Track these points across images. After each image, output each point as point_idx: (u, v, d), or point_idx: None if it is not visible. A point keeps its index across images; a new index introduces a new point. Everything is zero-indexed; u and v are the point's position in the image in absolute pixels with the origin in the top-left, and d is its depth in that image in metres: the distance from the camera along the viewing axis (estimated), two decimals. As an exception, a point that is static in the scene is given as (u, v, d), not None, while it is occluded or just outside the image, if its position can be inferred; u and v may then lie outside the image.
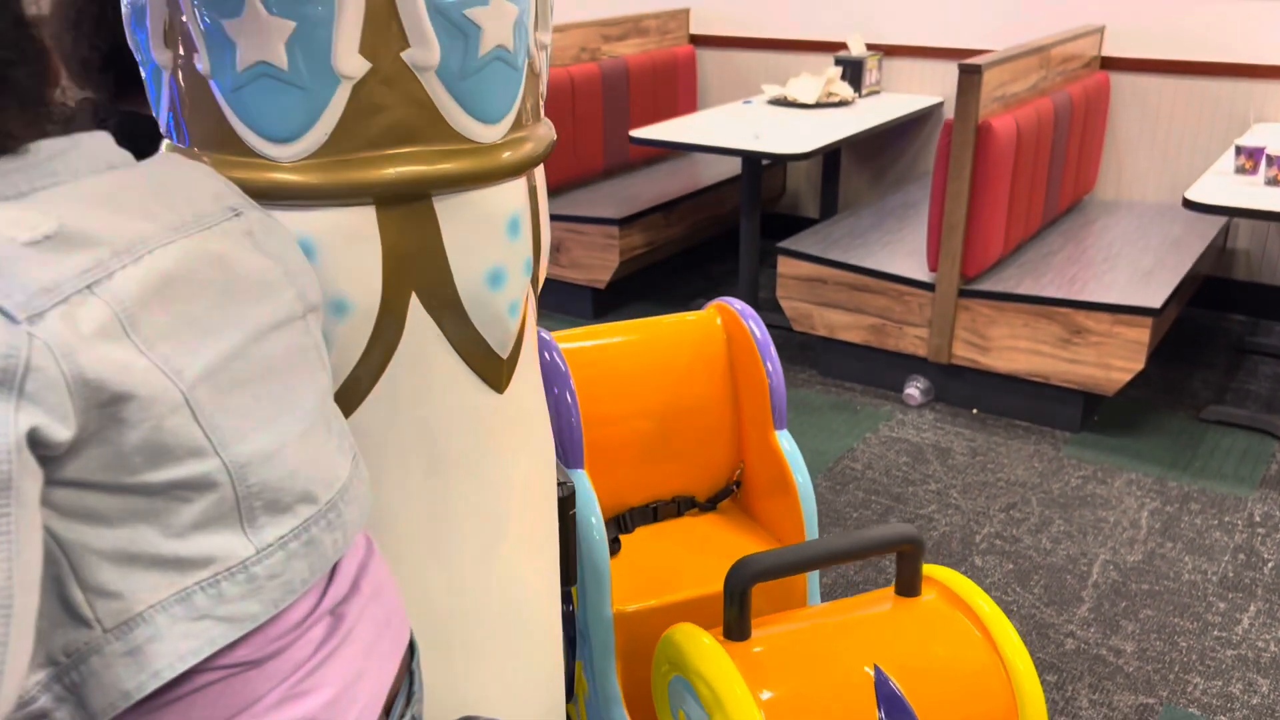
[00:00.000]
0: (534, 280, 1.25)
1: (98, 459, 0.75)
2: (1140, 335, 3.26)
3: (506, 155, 1.11)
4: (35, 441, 0.71)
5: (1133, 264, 3.63)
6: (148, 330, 0.77)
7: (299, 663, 0.90)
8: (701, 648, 1.58)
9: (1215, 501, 3.05)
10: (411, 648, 1.07)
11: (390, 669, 1.00)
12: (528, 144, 1.15)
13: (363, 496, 1.00)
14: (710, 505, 2.22)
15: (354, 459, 1.00)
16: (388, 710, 0.99)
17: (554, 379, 1.94)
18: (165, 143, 1.14)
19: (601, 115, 4.67)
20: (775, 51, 5.03)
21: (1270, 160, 3.25)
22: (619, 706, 1.93)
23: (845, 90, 4.55)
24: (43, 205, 0.77)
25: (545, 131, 1.20)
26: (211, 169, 0.98)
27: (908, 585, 1.70)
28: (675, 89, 5.10)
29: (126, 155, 0.89)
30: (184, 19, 1.02)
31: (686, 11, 5.19)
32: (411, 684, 1.05)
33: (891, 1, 4.71)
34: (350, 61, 0.99)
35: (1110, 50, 4.30)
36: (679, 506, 2.20)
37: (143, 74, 1.13)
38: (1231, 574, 2.72)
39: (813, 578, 2.08)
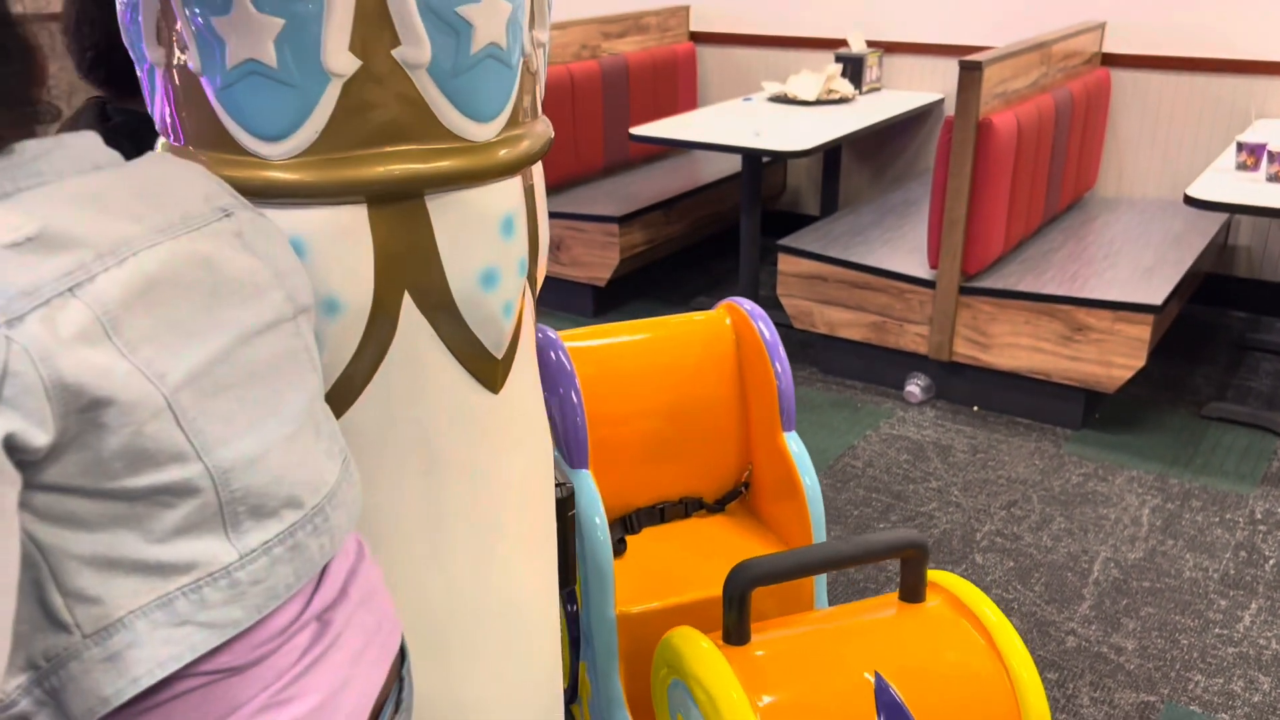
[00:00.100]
0: (531, 280, 1.25)
1: (77, 464, 0.75)
2: (1141, 332, 3.25)
3: (500, 154, 1.10)
4: (12, 447, 0.70)
5: (1134, 261, 3.63)
6: (130, 333, 0.76)
7: (282, 670, 0.89)
8: (699, 652, 1.56)
9: (1216, 499, 3.04)
10: (402, 654, 1.06)
11: (378, 676, 0.99)
12: (522, 143, 1.14)
13: (351, 500, 0.99)
14: (718, 507, 2.21)
15: (344, 462, 0.99)
16: (375, 718, 0.98)
17: (559, 378, 1.93)
18: (161, 141, 1.13)
19: (601, 113, 4.67)
20: (775, 48, 5.03)
21: (1271, 156, 3.24)
22: (621, 709, 1.92)
23: (846, 87, 4.54)
24: (25, 206, 0.76)
25: (542, 130, 1.20)
26: (204, 168, 0.97)
27: (912, 591, 1.68)
28: (675, 86, 5.09)
29: (114, 155, 0.88)
30: (175, 16, 1.01)
31: (686, 8, 5.18)
32: (401, 691, 1.04)
33: (892, -2, 4.71)
34: (340, 59, 0.99)
35: (1111, 46, 4.29)
36: (686, 508, 2.19)
37: (138, 72, 1.12)
38: (1233, 571, 2.71)
39: (820, 581, 2.07)
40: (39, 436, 0.71)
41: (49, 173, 0.80)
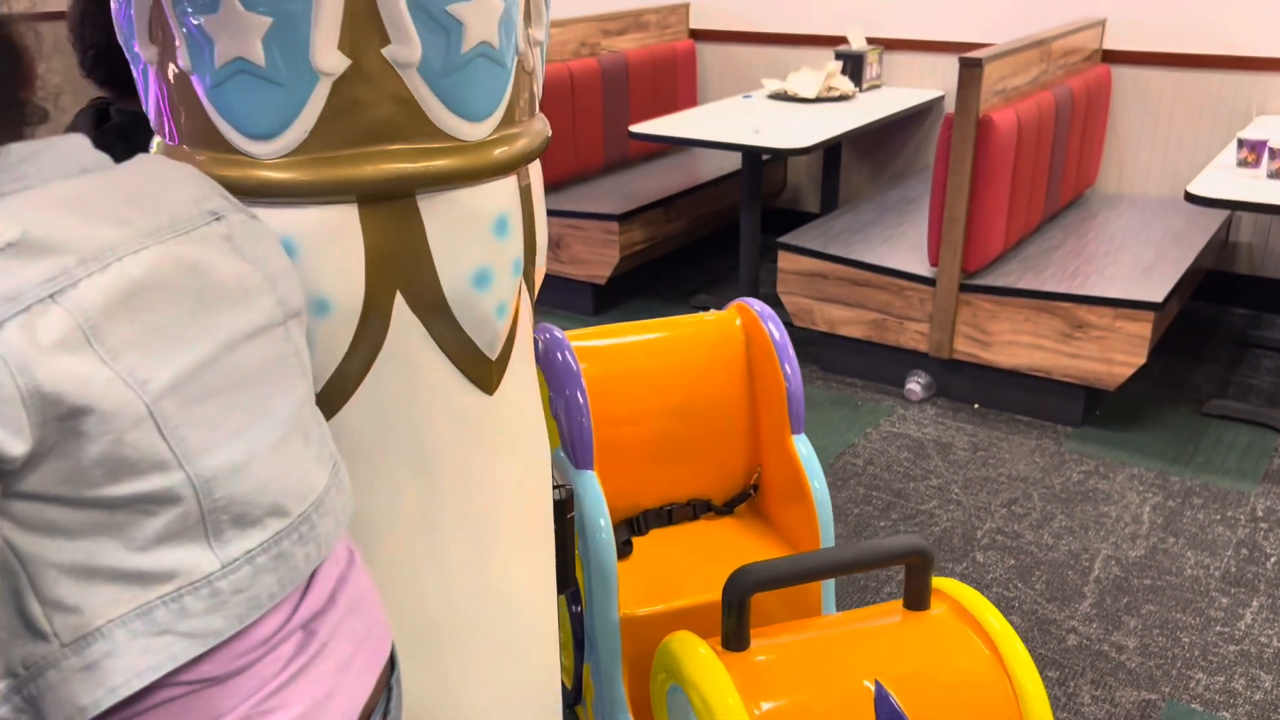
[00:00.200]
0: (529, 281, 1.24)
1: (56, 472, 0.74)
2: (1142, 329, 3.24)
3: (493, 153, 1.09)
4: None
5: (1134, 258, 3.62)
6: (112, 340, 0.76)
7: (266, 679, 0.88)
8: (696, 657, 1.55)
9: (1218, 496, 3.04)
10: (392, 662, 1.05)
11: (365, 685, 0.98)
12: (518, 142, 1.13)
13: (340, 507, 0.98)
14: (727, 509, 2.19)
15: (333, 468, 0.98)
16: None
17: (565, 379, 1.92)
18: (156, 140, 1.13)
19: (601, 110, 4.66)
20: (775, 46, 5.02)
21: (1273, 153, 3.23)
22: (625, 712, 1.91)
23: (845, 84, 4.53)
24: (8, 211, 0.76)
25: (539, 129, 1.19)
26: (197, 170, 0.96)
27: (916, 598, 1.65)
28: (675, 84, 5.09)
29: (103, 158, 0.87)
30: (165, 15, 1.01)
31: (686, 6, 5.17)
32: (389, 700, 1.03)
33: (892, -5, 4.70)
34: (329, 58, 0.98)
35: (1111, 43, 4.28)
36: (694, 510, 2.18)
37: (133, 70, 1.12)
38: (1234, 569, 2.71)
39: (828, 585, 2.05)
40: (16, 446, 0.71)
41: (34, 176, 0.80)
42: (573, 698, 2.11)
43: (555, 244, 4.32)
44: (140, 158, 0.92)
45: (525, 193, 1.18)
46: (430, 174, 1.05)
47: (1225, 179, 3.28)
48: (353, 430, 1.12)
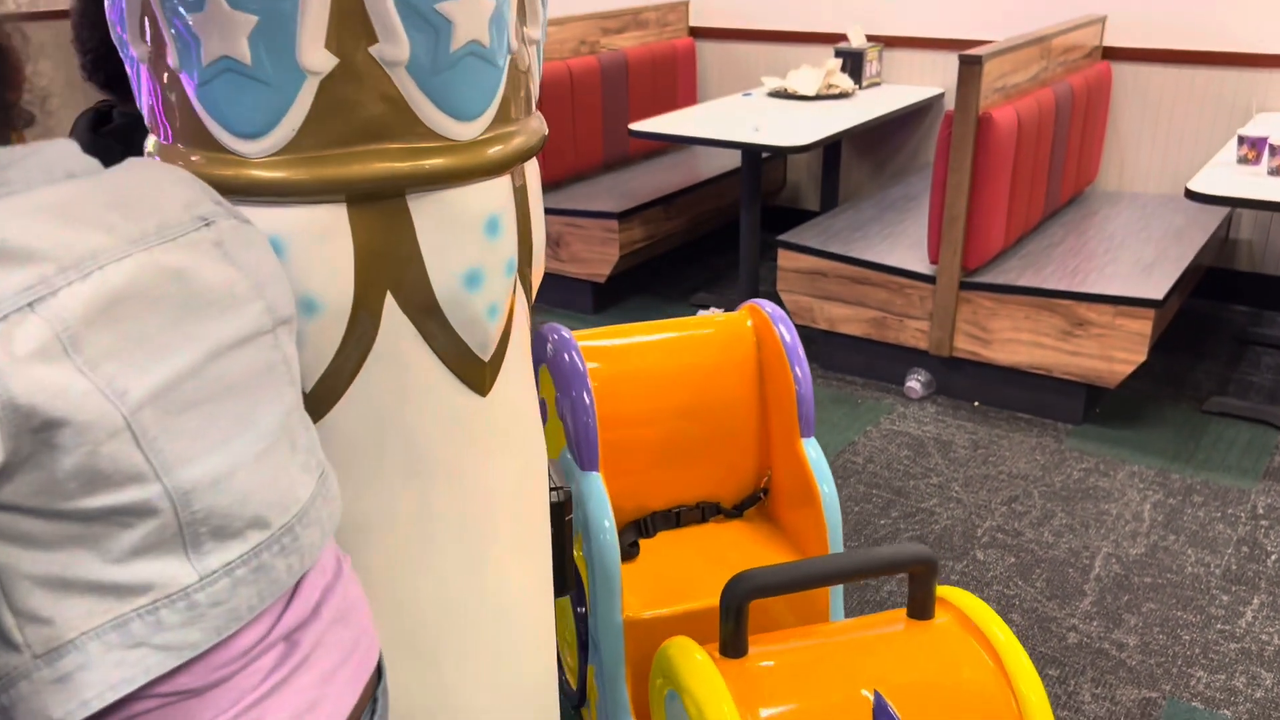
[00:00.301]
0: (525, 282, 1.23)
1: (30, 484, 0.73)
2: (1142, 327, 3.24)
3: (484, 153, 1.09)
4: None
5: (1135, 255, 3.61)
6: (91, 350, 0.74)
7: (245, 691, 0.87)
8: (692, 663, 1.53)
9: (1218, 494, 3.03)
10: (379, 672, 1.04)
11: (350, 696, 0.97)
12: (512, 141, 1.12)
13: (327, 517, 0.97)
14: (736, 512, 2.17)
15: (320, 476, 0.97)
16: None
17: (571, 380, 1.91)
18: (151, 139, 1.12)
19: (601, 108, 4.65)
20: (775, 43, 5.01)
21: (1273, 150, 3.23)
22: (627, 715, 1.89)
23: (845, 82, 4.52)
24: None
25: (535, 127, 1.18)
26: (189, 175, 0.95)
27: (920, 607, 1.63)
28: (675, 82, 5.08)
29: (91, 163, 0.86)
30: (154, 12, 1.00)
31: (686, 4, 5.16)
32: (374, 711, 1.02)
33: (891, -8, 4.70)
34: (315, 56, 0.97)
35: (1112, 40, 4.28)
36: (703, 512, 2.16)
37: (126, 68, 1.12)
38: (1235, 567, 2.70)
39: (835, 590, 2.03)
40: None
41: (18, 182, 0.79)
42: (577, 699, 2.10)
43: (555, 242, 4.31)
44: (130, 162, 0.91)
45: (520, 193, 1.17)
46: (419, 173, 1.04)
47: (1225, 176, 3.27)
48: (343, 431, 1.11)
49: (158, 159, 1.09)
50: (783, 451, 2.09)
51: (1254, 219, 4.21)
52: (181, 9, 0.97)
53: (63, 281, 0.74)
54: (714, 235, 4.94)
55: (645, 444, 2.07)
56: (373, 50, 0.99)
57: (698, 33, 5.22)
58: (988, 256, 3.51)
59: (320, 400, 1.10)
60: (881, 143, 4.91)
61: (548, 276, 4.30)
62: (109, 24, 1.10)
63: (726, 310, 4.24)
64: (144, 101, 1.10)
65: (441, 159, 1.05)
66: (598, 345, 2.05)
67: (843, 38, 4.75)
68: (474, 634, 1.26)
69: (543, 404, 2.05)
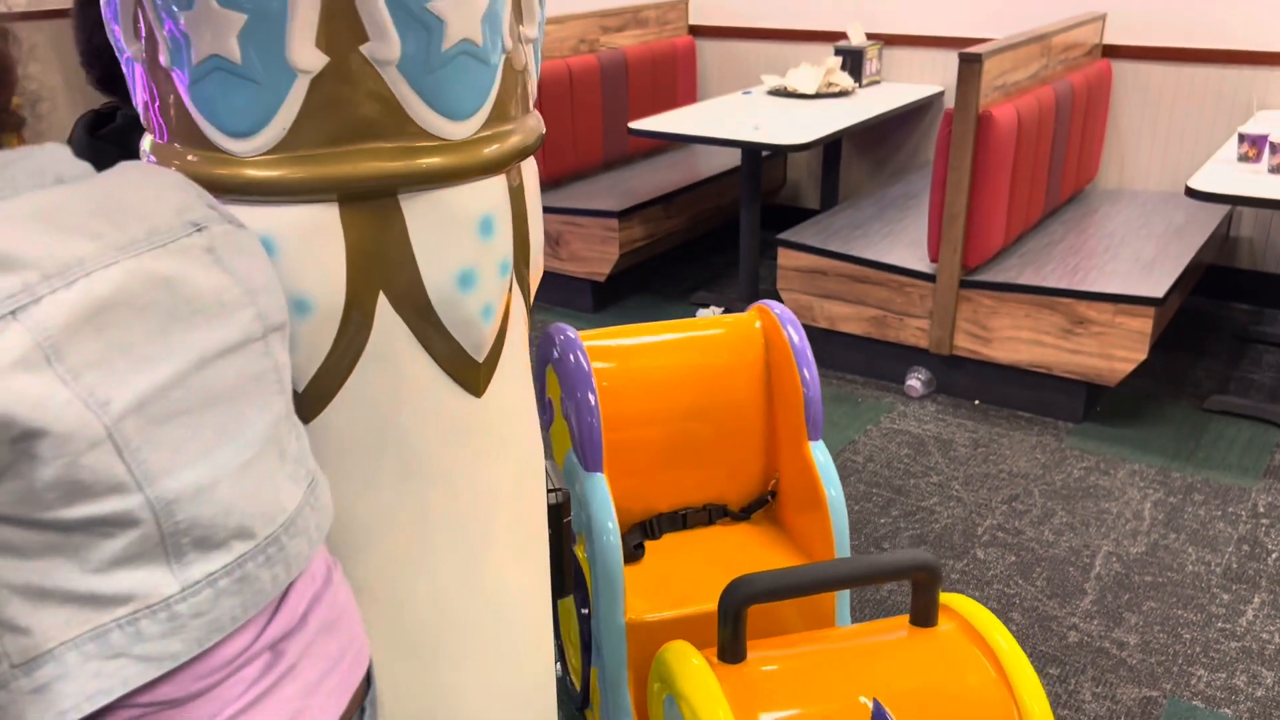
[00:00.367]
0: (522, 282, 1.22)
1: (9, 494, 0.73)
2: (1143, 325, 3.23)
3: (478, 153, 1.08)
4: None
5: (1135, 253, 3.61)
6: (74, 359, 0.74)
7: (228, 701, 0.86)
8: (689, 668, 1.51)
9: (1219, 492, 3.03)
10: (369, 680, 1.03)
11: (336, 706, 0.96)
12: (507, 140, 1.11)
13: (314, 527, 0.96)
14: (744, 515, 2.16)
15: (309, 485, 0.96)
16: None
17: (576, 380, 1.90)
18: (147, 138, 1.12)
19: (600, 107, 4.65)
20: (775, 42, 5.01)
21: (1274, 148, 3.22)
22: (629, 718, 1.88)
23: (845, 80, 4.52)
24: None
25: (532, 126, 1.17)
26: (183, 178, 0.94)
27: (922, 614, 1.61)
28: (674, 80, 5.07)
29: (83, 168, 0.85)
30: (145, 10, 1.00)
31: (685, 2, 5.16)
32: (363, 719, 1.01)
33: (891, -10, 4.69)
34: (305, 55, 0.97)
35: (1112, 38, 4.27)
36: (710, 515, 2.14)
37: (122, 66, 1.11)
38: (1235, 565, 2.70)
39: (842, 595, 2.01)
40: None
41: (4, 187, 0.78)
42: (581, 700, 2.09)
43: (555, 241, 4.31)
44: (122, 166, 0.90)
45: (517, 192, 1.16)
46: (411, 173, 1.04)
47: (1226, 174, 3.27)
48: (337, 432, 1.11)
49: (154, 159, 1.09)
50: (790, 454, 2.08)
51: (1254, 217, 4.21)
52: (173, 7, 0.96)
53: (46, 290, 0.73)
54: (714, 234, 4.93)
55: (652, 445, 2.06)
56: (364, 49, 0.98)
57: (697, 31, 5.21)
58: (988, 255, 3.51)
59: (313, 400, 1.09)
60: (881, 141, 4.90)
61: (547, 275, 4.30)
62: (105, 22, 1.09)
63: (726, 309, 4.26)
64: (139, 100, 1.10)
65: (433, 158, 1.05)
66: (605, 345, 2.04)
67: (842, 36, 4.75)
68: (471, 636, 1.26)
69: (550, 404, 2.05)
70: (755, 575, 1.56)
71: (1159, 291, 3.25)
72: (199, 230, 0.87)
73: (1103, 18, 4.23)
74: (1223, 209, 3.99)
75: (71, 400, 0.73)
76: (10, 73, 0.84)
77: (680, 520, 2.12)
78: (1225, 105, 4.10)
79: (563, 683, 2.24)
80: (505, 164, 1.11)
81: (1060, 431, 3.39)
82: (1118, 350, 3.28)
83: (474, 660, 1.27)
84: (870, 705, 1.46)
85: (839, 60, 4.58)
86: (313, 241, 1.03)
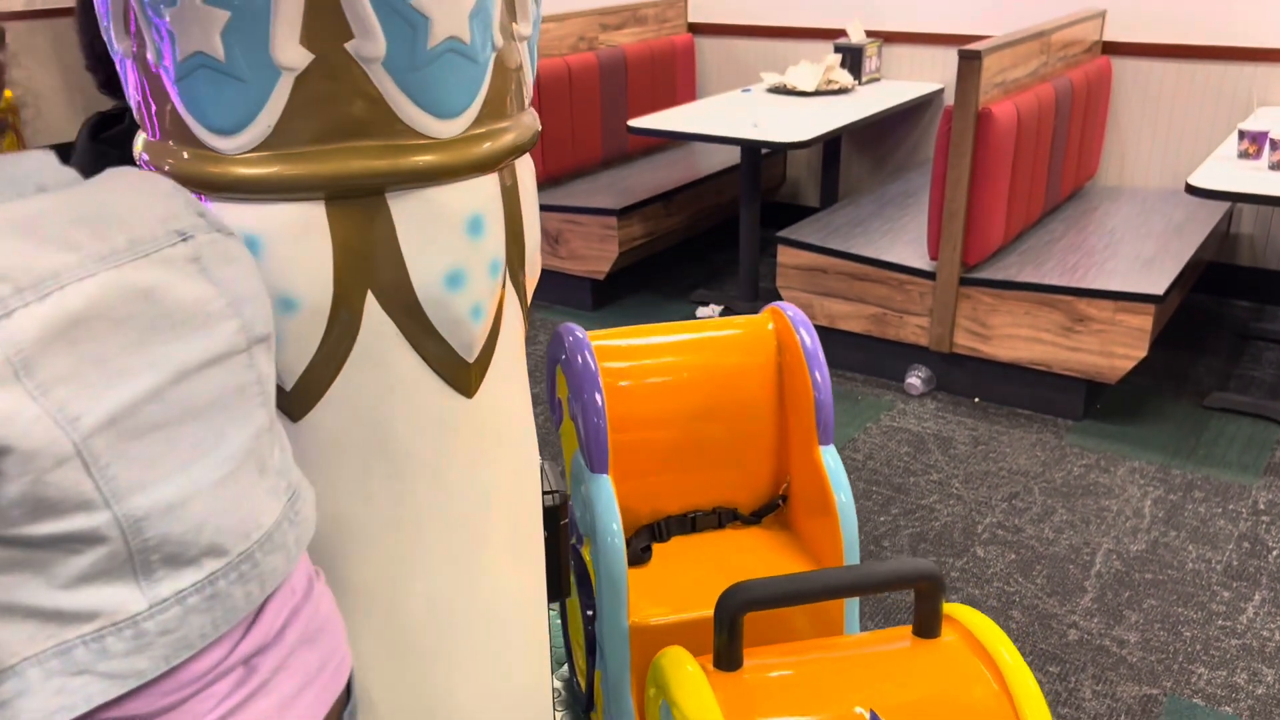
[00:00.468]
0: (517, 282, 1.21)
1: None
2: (1143, 322, 3.23)
3: (466, 152, 1.07)
4: None
5: (1135, 250, 3.60)
6: (44, 374, 0.72)
7: (198, 716, 0.85)
8: (683, 675, 1.49)
9: (1219, 489, 3.02)
10: (349, 692, 1.02)
11: (314, 719, 0.95)
12: (498, 139, 1.10)
13: (292, 541, 0.94)
14: (754, 519, 2.14)
15: (290, 499, 0.95)
16: None
17: (583, 381, 1.89)
18: (141, 136, 1.12)
19: (599, 105, 4.65)
20: (774, 39, 5.00)
21: (1274, 144, 3.22)
22: None
23: (845, 78, 4.52)
24: None
25: (526, 124, 1.16)
26: (173, 185, 0.93)
27: (925, 625, 1.57)
28: (674, 78, 5.07)
29: (67, 175, 0.84)
30: (135, 8, 1.00)
31: (684, 0, 5.16)
32: None
33: (891, -13, 4.69)
34: (289, 52, 0.96)
35: (1112, 35, 4.26)
36: (720, 518, 2.12)
37: (116, 65, 1.11)
38: (1236, 562, 2.70)
39: (851, 601, 1.99)
40: None
41: None
42: (586, 702, 2.08)
43: (554, 239, 4.30)
44: (109, 173, 0.89)
45: (509, 192, 1.15)
46: (398, 171, 1.03)
47: (1226, 170, 3.26)
48: (326, 431, 1.10)
49: (146, 156, 1.09)
50: (801, 458, 2.05)
51: (1255, 214, 4.20)
52: (159, 4, 0.96)
53: (19, 303, 0.72)
54: (713, 232, 4.93)
55: (662, 447, 2.04)
56: (348, 46, 0.98)
57: (697, 29, 5.21)
58: (987, 252, 3.50)
59: (302, 399, 1.09)
60: (881, 138, 4.90)
61: (546, 273, 4.30)
62: (98, 19, 1.09)
63: (726, 307, 4.25)
64: (132, 98, 1.09)
65: (421, 157, 1.04)
66: (617, 345, 2.02)
67: (842, 33, 4.74)
68: (465, 638, 1.25)
69: (559, 404, 2.04)
70: (752, 582, 1.53)
71: (1159, 289, 3.25)
72: (184, 239, 0.86)
73: (1102, 14, 4.22)
74: (1223, 206, 3.98)
75: (40, 416, 0.72)
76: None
77: (689, 523, 2.10)
78: (1225, 102, 4.10)
79: (570, 684, 2.23)
80: (495, 163, 1.11)
81: (1060, 429, 3.38)
82: (1118, 347, 3.28)
83: (468, 662, 1.26)
84: (867, 717, 1.43)
85: (838, 57, 4.57)
86: (299, 240, 1.03)
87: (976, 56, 3.28)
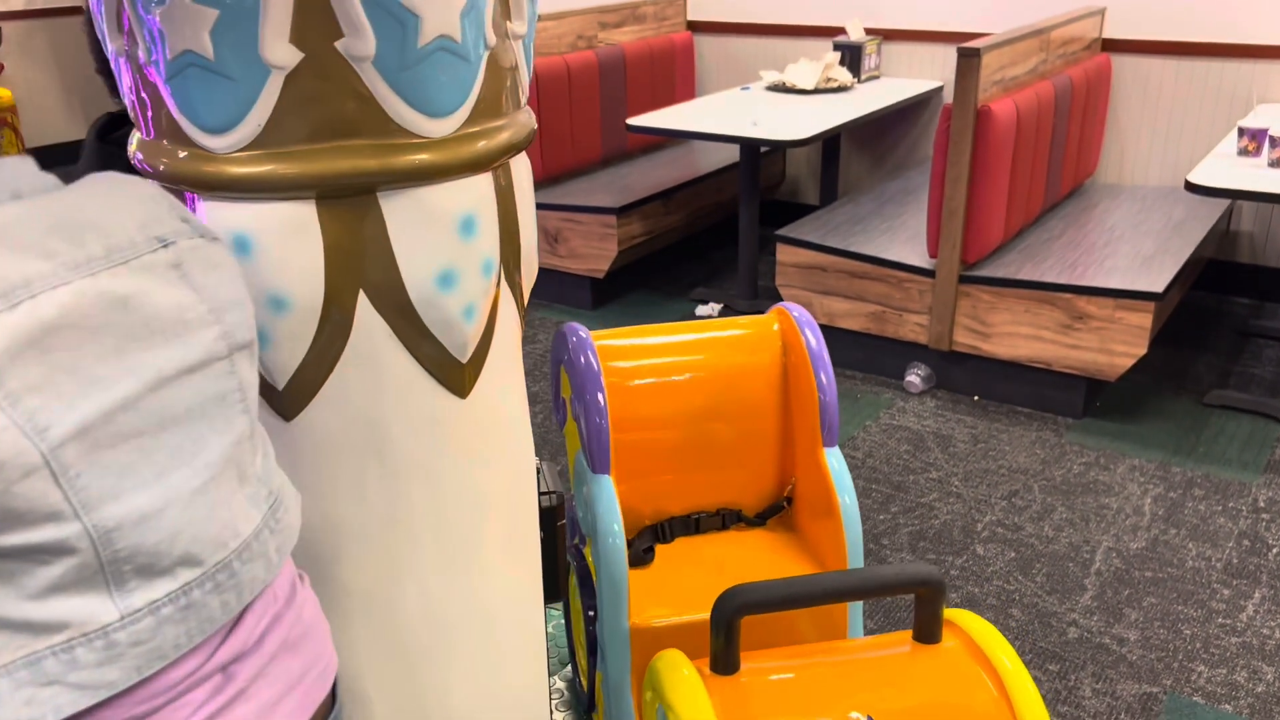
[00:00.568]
0: (512, 282, 1.21)
1: None
2: (1143, 320, 3.22)
3: (458, 151, 1.07)
4: None
5: (1135, 248, 3.60)
6: (14, 384, 0.72)
7: None
8: (678, 679, 1.48)
9: (1219, 487, 3.02)
10: (334, 698, 1.01)
11: None
12: (492, 138, 1.10)
13: (273, 550, 0.93)
14: (759, 521, 2.13)
15: (271, 506, 0.94)
16: None
17: (586, 381, 1.88)
18: (135, 135, 1.11)
19: (599, 103, 4.64)
20: (773, 37, 5.00)
21: (1273, 142, 3.21)
22: None
23: (844, 75, 4.51)
24: None
25: (523, 123, 1.16)
26: (157, 190, 0.91)
27: (925, 630, 1.55)
28: (673, 76, 5.07)
29: (45, 181, 0.83)
30: (125, 6, 0.99)
31: (684, -2, 5.16)
32: None
33: (890, -15, 4.68)
34: (279, 51, 0.96)
35: (1111, 32, 4.26)
36: (724, 519, 2.11)
37: (110, 63, 1.11)
38: (1236, 560, 2.69)
39: (855, 605, 1.97)
40: None
41: None
42: (588, 703, 2.08)
43: (553, 238, 4.30)
44: (90, 178, 0.88)
45: (504, 192, 1.15)
46: (389, 171, 1.03)
47: (1226, 168, 3.26)
48: (318, 430, 1.10)
49: (140, 156, 1.08)
50: (805, 460, 2.04)
51: (1254, 211, 4.20)
52: (150, 1, 0.96)
53: None
54: (713, 230, 4.92)
55: (666, 447, 2.03)
56: (338, 45, 0.97)
57: (695, 27, 5.20)
58: (987, 250, 3.50)
59: (294, 399, 1.08)
60: (880, 136, 4.89)
61: (546, 272, 4.30)
62: (91, 17, 1.09)
63: (726, 305, 4.25)
64: (127, 97, 1.09)
65: (412, 156, 1.03)
66: (621, 345, 2.01)
67: (841, 31, 4.73)
68: (460, 639, 1.25)
69: (564, 404, 2.04)
70: (750, 585, 1.52)
71: (1159, 286, 3.24)
72: (165, 246, 0.85)
73: (1102, 12, 4.21)
74: (1223, 203, 3.98)
75: (7, 427, 0.71)
76: None
77: (693, 524, 2.09)
78: (1225, 99, 4.09)
79: (573, 685, 2.23)
80: (489, 162, 1.10)
81: (1060, 427, 3.38)
82: (1117, 345, 3.27)
83: (463, 663, 1.26)
84: None
85: (837, 55, 4.57)
86: (290, 239, 1.02)
87: (975, 54, 3.28)
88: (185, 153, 1.03)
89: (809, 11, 4.87)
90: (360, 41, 0.97)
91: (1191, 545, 2.76)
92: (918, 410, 3.51)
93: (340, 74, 0.99)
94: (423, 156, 1.04)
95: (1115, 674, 2.31)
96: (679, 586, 1.94)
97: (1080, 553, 2.73)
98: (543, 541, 1.45)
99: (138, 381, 0.79)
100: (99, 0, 1.04)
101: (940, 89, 4.63)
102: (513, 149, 1.14)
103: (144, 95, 1.05)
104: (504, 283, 1.19)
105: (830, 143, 4.76)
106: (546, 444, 3.22)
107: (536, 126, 1.21)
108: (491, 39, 1.07)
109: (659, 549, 2.05)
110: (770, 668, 1.55)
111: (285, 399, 1.08)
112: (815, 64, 4.50)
